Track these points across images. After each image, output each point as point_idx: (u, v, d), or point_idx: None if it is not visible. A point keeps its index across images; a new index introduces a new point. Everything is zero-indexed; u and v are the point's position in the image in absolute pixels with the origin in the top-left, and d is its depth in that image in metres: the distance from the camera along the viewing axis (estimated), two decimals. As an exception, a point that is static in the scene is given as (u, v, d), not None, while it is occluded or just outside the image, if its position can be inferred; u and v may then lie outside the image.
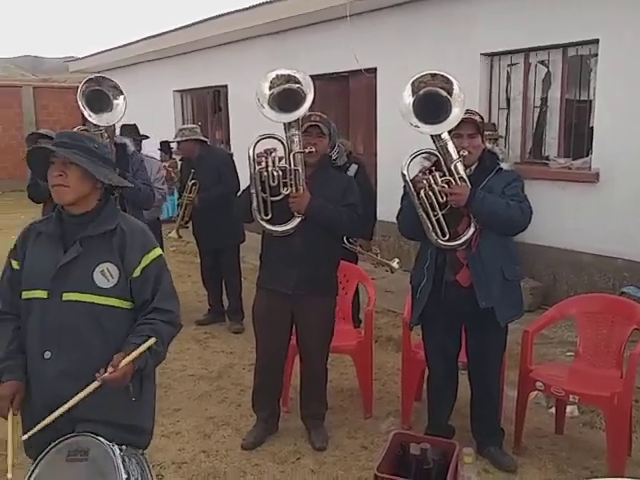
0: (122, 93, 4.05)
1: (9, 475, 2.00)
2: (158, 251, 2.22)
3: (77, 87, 3.98)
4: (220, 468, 3.32)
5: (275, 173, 3.13)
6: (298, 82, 3.10)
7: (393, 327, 5.38)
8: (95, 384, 2.00)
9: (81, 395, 2.01)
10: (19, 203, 11.83)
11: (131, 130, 5.44)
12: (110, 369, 1.99)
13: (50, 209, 5.16)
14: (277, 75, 3.12)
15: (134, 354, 2.03)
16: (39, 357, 2.11)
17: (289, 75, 3.11)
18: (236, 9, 8.66)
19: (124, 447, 2.09)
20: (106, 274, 2.12)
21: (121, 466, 1.99)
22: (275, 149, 3.21)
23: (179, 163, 6.39)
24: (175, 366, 4.55)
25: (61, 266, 2.09)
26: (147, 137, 5.77)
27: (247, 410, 3.83)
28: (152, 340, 2.07)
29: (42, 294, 2.11)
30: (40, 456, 2.07)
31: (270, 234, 3.27)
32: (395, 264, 4.81)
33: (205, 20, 9.43)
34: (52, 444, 2.07)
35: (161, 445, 3.47)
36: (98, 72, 13.05)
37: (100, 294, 2.11)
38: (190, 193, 5.26)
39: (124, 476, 1.98)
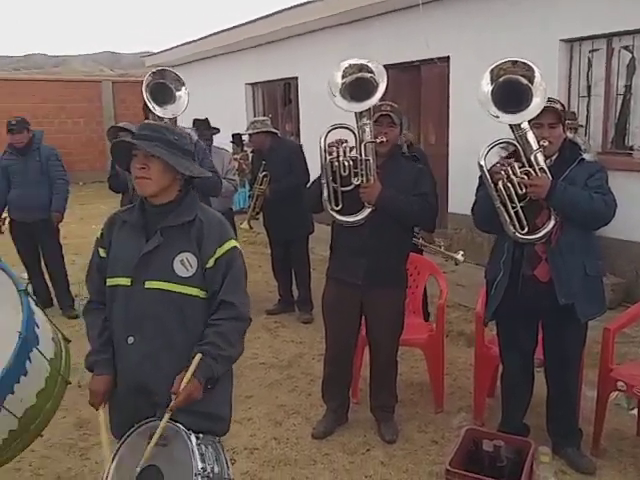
0: (184, 85, 4.12)
1: (108, 465, 2.10)
2: (233, 243, 2.23)
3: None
4: (291, 455, 3.36)
5: (346, 163, 3.12)
6: (371, 71, 3.07)
7: (464, 322, 5.28)
8: (167, 416, 2.05)
9: (162, 423, 2.04)
10: (99, 194, 12.36)
11: (202, 124, 5.52)
12: (174, 396, 2.05)
13: (127, 200, 5.38)
14: (350, 64, 3.10)
15: (187, 377, 2.06)
16: (123, 342, 2.19)
17: (362, 64, 3.09)
18: (308, 1, 8.68)
19: (201, 435, 2.13)
20: (185, 263, 2.16)
21: (197, 453, 2.04)
22: (346, 140, 3.20)
23: (250, 155, 6.47)
24: (246, 354, 4.61)
25: (143, 255, 2.15)
26: (218, 131, 5.84)
27: (317, 400, 3.86)
28: (197, 358, 2.08)
29: (126, 281, 2.18)
30: (123, 438, 2.16)
31: (340, 224, 3.26)
32: (459, 256, 4.72)
33: (277, 12, 9.51)
34: (134, 427, 2.15)
35: (234, 431, 3.52)
36: (172, 66, 13.44)
37: (180, 283, 2.15)
38: (261, 185, 5.32)
39: (199, 465, 2.02)
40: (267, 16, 9.82)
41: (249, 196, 5.70)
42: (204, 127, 5.48)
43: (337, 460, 3.31)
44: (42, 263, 5.81)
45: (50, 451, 3.45)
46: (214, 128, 5.73)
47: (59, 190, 5.58)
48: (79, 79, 17.36)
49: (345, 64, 3.11)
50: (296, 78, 10.12)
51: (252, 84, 11.70)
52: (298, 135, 10.28)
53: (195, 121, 5.51)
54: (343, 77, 3.09)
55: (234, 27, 10.88)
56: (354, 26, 8.57)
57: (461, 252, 4.79)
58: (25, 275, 5.72)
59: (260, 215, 5.62)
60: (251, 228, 5.67)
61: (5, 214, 5.58)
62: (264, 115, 10.08)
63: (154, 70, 4.14)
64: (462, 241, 6.99)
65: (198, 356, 2.09)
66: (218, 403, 2.29)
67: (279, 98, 11.22)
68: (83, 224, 9.48)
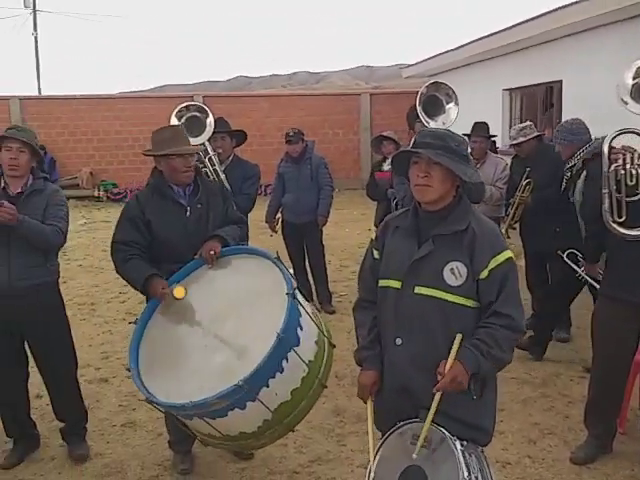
0: (456, 99, 4.18)
1: (372, 466, 2.19)
2: (507, 254, 2.19)
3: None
4: (546, 477, 3.21)
5: (633, 171, 2.87)
6: None
7: None
8: (437, 396, 2.10)
9: (432, 410, 2.11)
10: (352, 200, 13.10)
11: (481, 128, 5.44)
12: (439, 377, 2.09)
13: (384, 208, 5.58)
14: None
15: (450, 358, 2.10)
16: (391, 343, 2.28)
17: None
18: (574, 1, 8.14)
19: (465, 442, 2.14)
20: (455, 272, 2.17)
21: (462, 460, 2.04)
22: (635, 149, 2.94)
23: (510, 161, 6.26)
24: (497, 366, 4.52)
25: (414, 261, 2.21)
26: (495, 136, 5.72)
27: (576, 423, 3.63)
28: (458, 337, 2.11)
29: (396, 284, 2.26)
30: (385, 435, 2.25)
31: (622, 238, 3.00)
32: None
33: (540, 16, 9.08)
34: (396, 426, 2.23)
35: (486, 442, 3.50)
36: (429, 76, 13.67)
37: (448, 291, 2.17)
38: (523, 192, 5.12)
39: (465, 472, 2.02)
40: (528, 20, 9.44)
41: (506, 204, 5.50)
42: (482, 131, 5.42)
43: (601, 491, 3.06)
44: (306, 261, 6.35)
45: (311, 433, 3.76)
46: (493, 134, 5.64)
47: (325, 196, 6.07)
48: (341, 93, 18.64)
49: (638, 63, 2.85)
50: (560, 82, 9.55)
51: (509, 90, 11.35)
52: (558, 142, 9.69)
53: (475, 125, 5.46)
54: (635, 78, 2.84)
55: (493, 34, 10.67)
56: (628, 24, 7.78)
57: None
58: (291, 271, 6.31)
59: (517, 224, 5.42)
60: (508, 237, 5.49)
61: (279, 215, 6.24)
62: (521, 121, 9.69)
63: (430, 82, 4.30)
64: None
65: (458, 336, 2.13)
66: (483, 415, 2.29)
67: (539, 103, 10.71)
68: (337, 228, 10.08)
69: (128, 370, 2.73)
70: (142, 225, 3.07)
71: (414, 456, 2.10)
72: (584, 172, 4.22)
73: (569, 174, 4.44)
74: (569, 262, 4.40)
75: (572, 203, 4.40)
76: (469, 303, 2.19)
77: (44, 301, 3.38)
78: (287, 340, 2.46)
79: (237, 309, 2.77)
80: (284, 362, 2.48)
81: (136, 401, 4.14)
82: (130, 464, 3.49)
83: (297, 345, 2.52)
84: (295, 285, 2.67)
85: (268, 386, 2.46)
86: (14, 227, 3.12)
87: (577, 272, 4.36)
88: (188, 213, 3.14)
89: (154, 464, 3.49)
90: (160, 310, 2.92)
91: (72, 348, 3.59)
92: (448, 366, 2.09)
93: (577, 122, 4.50)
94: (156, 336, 2.84)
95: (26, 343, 3.48)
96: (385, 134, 5.71)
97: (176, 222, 3.11)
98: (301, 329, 2.58)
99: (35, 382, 3.66)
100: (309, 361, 2.59)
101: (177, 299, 2.83)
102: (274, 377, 2.46)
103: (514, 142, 5.21)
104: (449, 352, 2.15)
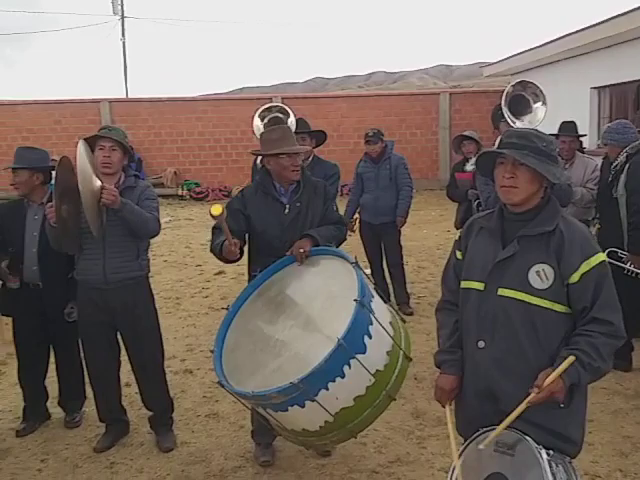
0: (542, 99, 4.07)
1: (457, 468, 2.15)
2: (600, 257, 2.10)
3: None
4: (641, 493, 3.05)
5: None
6: None
7: None
8: (522, 406, 2.04)
9: (514, 415, 2.05)
10: (428, 201, 12.98)
11: (569, 127, 5.25)
12: (535, 390, 2.02)
13: (465, 209, 5.46)
14: None
15: (554, 375, 2.02)
16: (473, 345, 2.23)
17: None
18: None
19: (551, 452, 2.07)
20: (541, 275, 2.10)
21: (548, 470, 1.98)
22: None
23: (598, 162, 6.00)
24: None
25: (498, 262, 2.16)
26: (584, 135, 5.50)
27: (672, 438, 3.43)
28: (571, 359, 2.02)
29: (479, 286, 2.21)
30: (468, 441, 2.20)
31: None
32: None
33: (634, 10, 8.66)
34: (479, 432, 2.18)
35: (573, 452, 3.37)
36: (511, 75, 13.33)
37: (533, 294, 2.11)
38: (612, 195, 4.90)
39: None
40: (620, 15, 9.03)
41: (596, 206, 5.26)
42: (571, 131, 5.23)
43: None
44: (384, 262, 6.32)
45: (390, 433, 3.74)
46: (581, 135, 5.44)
47: (404, 196, 6.02)
48: (419, 92, 18.45)
49: None
50: (653, 79, 9.10)
51: (598, 88, 10.90)
52: (650, 142, 9.20)
53: (563, 124, 5.28)
54: None
55: (580, 30, 10.28)
56: None
57: None
58: (368, 271, 6.30)
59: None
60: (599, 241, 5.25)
61: (357, 215, 6.24)
62: (610, 121, 9.27)
63: (514, 82, 4.22)
64: None
65: (571, 357, 2.04)
66: (572, 424, 2.20)
67: (630, 102, 10.22)
68: (415, 229, 9.99)
69: (212, 352, 2.83)
70: (242, 218, 3.23)
71: (481, 447, 2.08)
72: (627, 166, 4.26)
73: (614, 172, 4.41)
74: (613, 262, 4.19)
75: (615, 199, 4.36)
76: (556, 307, 2.11)
77: (136, 294, 3.54)
78: (350, 346, 2.42)
79: (318, 307, 2.80)
80: (346, 368, 2.44)
81: (219, 393, 4.26)
82: (214, 454, 3.59)
83: (363, 353, 2.47)
84: (370, 292, 2.64)
85: (328, 389, 2.44)
86: (116, 210, 3.29)
87: (624, 269, 4.23)
88: (287, 211, 3.24)
89: (236, 455, 3.58)
90: (252, 299, 3.01)
91: (160, 340, 3.74)
92: (549, 381, 2.01)
93: (623, 123, 4.59)
94: (244, 324, 2.92)
95: (118, 334, 3.65)
96: (466, 134, 5.60)
97: (274, 219, 3.22)
98: (369, 337, 2.52)
99: (124, 371, 3.83)
100: (376, 371, 2.54)
101: (214, 216, 2.79)
102: (334, 381, 2.43)
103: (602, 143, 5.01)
104: (535, 356, 2.10)
